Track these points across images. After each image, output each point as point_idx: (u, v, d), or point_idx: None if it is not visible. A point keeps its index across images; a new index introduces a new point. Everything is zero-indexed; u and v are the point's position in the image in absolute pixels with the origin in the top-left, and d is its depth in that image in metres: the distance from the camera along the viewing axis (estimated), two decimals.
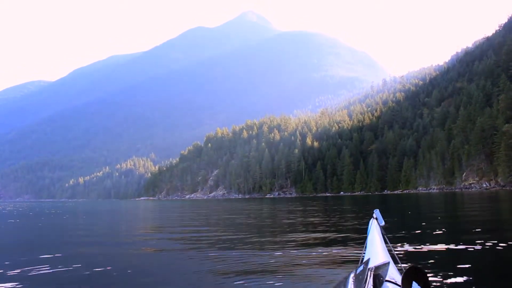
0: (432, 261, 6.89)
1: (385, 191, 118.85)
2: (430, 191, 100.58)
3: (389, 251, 3.13)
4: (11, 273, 6.72)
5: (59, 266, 7.12)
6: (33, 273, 6.66)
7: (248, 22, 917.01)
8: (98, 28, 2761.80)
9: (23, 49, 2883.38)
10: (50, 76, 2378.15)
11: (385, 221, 3.73)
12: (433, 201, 38.18)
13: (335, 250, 8.27)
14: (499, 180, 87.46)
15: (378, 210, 3.81)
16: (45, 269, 6.93)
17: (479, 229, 11.31)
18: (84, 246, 10.86)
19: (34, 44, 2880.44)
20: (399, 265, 2.98)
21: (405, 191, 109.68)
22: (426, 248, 8.31)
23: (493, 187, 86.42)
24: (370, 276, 1.96)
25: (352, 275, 2.06)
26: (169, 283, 6.10)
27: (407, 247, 8.26)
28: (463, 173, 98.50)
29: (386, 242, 3.30)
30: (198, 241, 11.37)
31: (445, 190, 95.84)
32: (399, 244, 8.51)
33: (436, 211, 23.35)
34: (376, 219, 3.69)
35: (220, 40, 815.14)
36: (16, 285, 5.81)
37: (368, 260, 2.37)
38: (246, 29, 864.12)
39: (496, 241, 8.61)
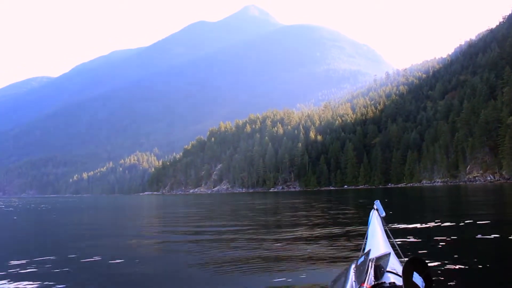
0: (433, 251, 6.96)
1: (389, 184, 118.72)
2: (434, 184, 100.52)
3: (390, 241, 3.13)
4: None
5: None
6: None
7: (250, 16, 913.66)
8: (99, 23, 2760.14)
9: (26, 45, 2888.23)
10: (53, 72, 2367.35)
11: (387, 212, 3.80)
12: (438, 194, 38.19)
13: (336, 241, 8.38)
14: (503, 173, 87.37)
15: (378, 201, 3.82)
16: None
17: (483, 221, 11.35)
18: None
19: (36, 40, 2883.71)
20: (400, 255, 3.00)
21: (409, 185, 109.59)
22: (427, 238, 8.40)
23: (497, 180, 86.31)
24: (371, 267, 1.96)
25: (353, 266, 2.07)
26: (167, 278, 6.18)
27: (409, 238, 8.35)
28: (467, 166, 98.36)
29: (387, 233, 3.29)
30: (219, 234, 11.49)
31: (449, 183, 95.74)
32: (400, 235, 8.59)
33: (440, 204, 23.39)
34: (377, 210, 3.70)
35: (222, 34, 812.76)
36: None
37: (369, 251, 2.36)
38: (248, 23, 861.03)
39: (499, 234, 8.67)
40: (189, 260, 7.31)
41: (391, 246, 3.02)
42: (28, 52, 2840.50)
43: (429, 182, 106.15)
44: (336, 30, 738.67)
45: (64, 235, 13.22)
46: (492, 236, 8.35)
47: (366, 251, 2.55)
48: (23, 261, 7.23)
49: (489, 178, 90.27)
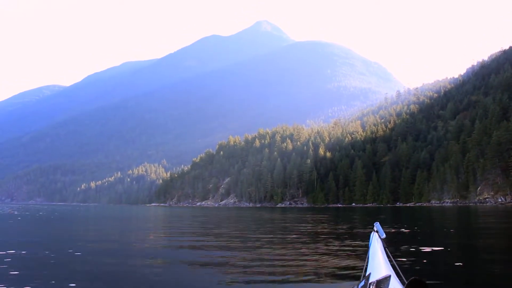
0: (434, 272, 6.82)
1: (398, 203, 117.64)
2: (443, 204, 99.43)
3: (391, 263, 3.10)
4: None
5: None
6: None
7: (262, 32, 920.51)
8: (113, 34, 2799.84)
9: (39, 54, 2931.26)
10: (65, 81, 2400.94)
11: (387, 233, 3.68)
12: (447, 215, 37.70)
13: (337, 265, 8.22)
14: None
15: (378, 223, 3.77)
16: None
17: (491, 247, 11.14)
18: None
19: (50, 49, 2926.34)
20: (401, 277, 2.87)
21: (417, 204, 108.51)
22: (429, 260, 8.23)
23: (508, 202, 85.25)
24: None
25: None
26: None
27: (410, 259, 8.19)
28: (477, 187, 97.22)
29: (387, 255, 3.28)
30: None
31: (458, 204, 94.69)
32: (402, 257, 8.44)
33: (449, 226, 23.03)
34: (377, 232, 3.65)
35: (234, 48, 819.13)
36: None
37: (369, 275, 2.35)
38: (260, 38, 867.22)
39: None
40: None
41: (392, 267, 2.96)
42: (41, 60, 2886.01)
43: (438, 202, 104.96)
44: (347, 47, 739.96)
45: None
46: (496, 260, 8.19)
47: (366, 274, 2.54)
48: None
49: (500, 200, 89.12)
